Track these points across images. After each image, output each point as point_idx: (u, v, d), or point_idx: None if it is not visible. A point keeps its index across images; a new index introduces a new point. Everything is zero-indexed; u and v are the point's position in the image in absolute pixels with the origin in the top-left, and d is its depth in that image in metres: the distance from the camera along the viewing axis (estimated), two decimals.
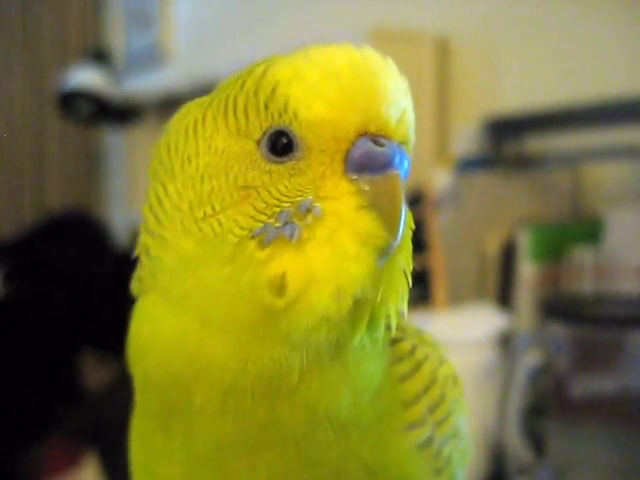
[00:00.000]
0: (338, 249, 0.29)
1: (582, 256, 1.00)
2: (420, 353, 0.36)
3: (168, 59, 2.46)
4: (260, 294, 0.29)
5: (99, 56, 2.32)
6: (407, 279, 0.32)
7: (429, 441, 0.34)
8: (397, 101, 0.31)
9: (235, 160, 0.31)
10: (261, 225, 0.30)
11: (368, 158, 0.30)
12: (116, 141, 2.80)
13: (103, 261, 1.93)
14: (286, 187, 0.30)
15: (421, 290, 0.96)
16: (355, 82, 0.30)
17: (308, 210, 0.30)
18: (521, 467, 0.77)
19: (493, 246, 1.07)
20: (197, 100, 0.34)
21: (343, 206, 0.30)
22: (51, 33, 2.85)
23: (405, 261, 0.32)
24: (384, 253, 0.30)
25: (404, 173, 0.31)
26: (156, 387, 0.32)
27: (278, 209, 0.30)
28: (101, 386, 1.59)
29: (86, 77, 2.20)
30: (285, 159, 0.31)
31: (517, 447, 0.75)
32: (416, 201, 0.96)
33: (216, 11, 2.23)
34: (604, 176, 1.15)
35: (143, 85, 2.28)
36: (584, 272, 0.99)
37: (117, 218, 2.76)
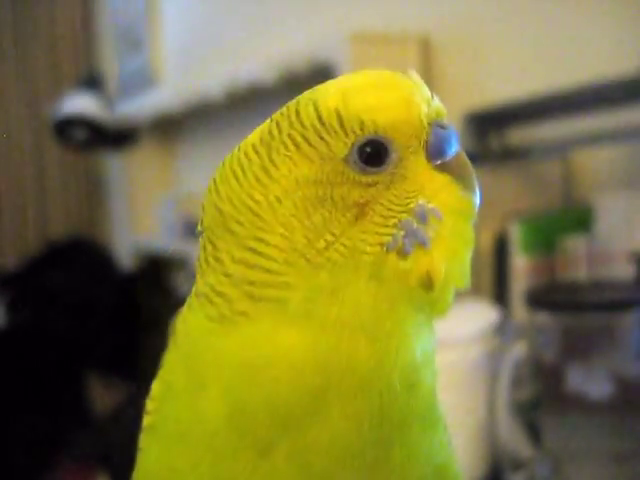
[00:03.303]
0: (462, 238, 0.34)
1: (575, 245, 0.99)
2: None
3: (159, 81, 2.47)
4: (414, 295, 0.32)
5: (92, 82, 2.35)
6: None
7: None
8: (425, 89, 0.35)
9: (330, 184, 0.32)
10: (390, 238, 0.32)
11: (445, 142, 0.34)
12: (114, 165, 2.81)
13: (106, 285, 1.94)
14: (395, 195, 0.33)
15: None
16: (401, 85, 0.34)
17: (426, 213, 0.33)
18: (518, 462, 0.76)
19: (485, 241, 1.06)
20: (231, 155, 0.35)
21: (449, 197, 0.33)
22: (44, 61, 2.89)
23: None
24: (474, 217, 0.35)
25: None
26: (267, 405, 0.31)
27: (396, 219, 0.33)
28: (108, 408, 1.59)
29: (80, 103, 2.22)
30: (383, 167, 0.33)
31: (512, 441, 0.74)
32: None
33: (204, 31, 2.25)
34: (592, 162, 1.14)
35: (136, 107, 2.29)
36: (578, 261, 0.98)
37: (120, 242, 2.77)
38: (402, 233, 0.32)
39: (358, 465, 0.31)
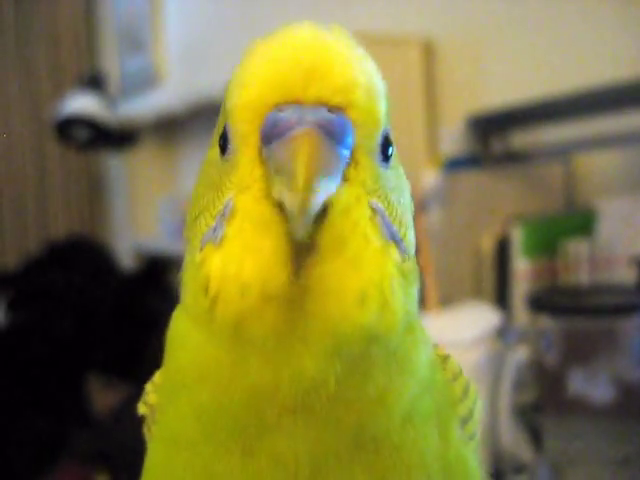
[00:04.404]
0: (241, 244, 0.28)
1: (576, 249, 0.99)
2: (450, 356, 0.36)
3: (162, 81, 2.47)
4: (198, 296, 0.29)
5: (94, 82, 2.34)
6: (365, 263, 0.28)
7: (474, 435, 0.35)
8: (315, 62, 0.28)
9: (209, 166, 0.32)
10: (208, 229, 0.30)
11: (271, 126, 0.27)
12: (116, 165, 2.81)
13: (107, 285, 1.94)
14: (225, 186, 0.30)
15: None
16: (269, 57, 0.29)
17: (229, 209, 0.29)
18: (519, 465, 0.75)
19: (487, 244, 1.06)
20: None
21: (248, 194, 0.28)
22: (46, 62, 2.89)
23: (353, 242, 0.28)
24: (296, 230, 0.26)
25: (327, 133, 0.26)
26: (224, 415, 0.30)
27: (216, 211, 0.30)
28: (109, 409, 1.59)
29: (82, 103, 2.22)
30: (225, 156, 0.30)
31: (513, 444, 0.74)
32: None
33: (207, 31, 2.25)
34: (595, 166, 1.14)
35: (139, 108, 2.29)
36: (579, 265, 0.98)
37: (120, 242, 2.77)
38: (212, 227, 0.29)
39: (332, 470, 0.30)
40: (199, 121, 2.15)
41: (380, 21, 1.48)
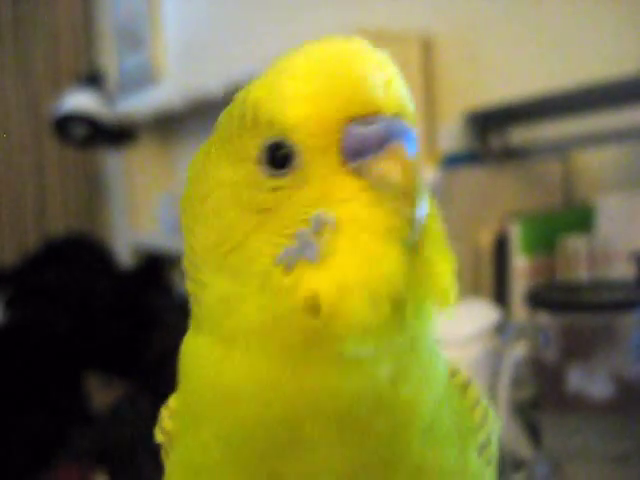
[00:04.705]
0: (361, 254, 0.27)
1: (575, 245, 0.99)
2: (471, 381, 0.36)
3: (160, 78, 2.47)
4: (298, 318, 0.28)
5: (92, 79, 2.34)
6: (447, 260, 0.30)
7: (492, 460, 0.35)
8: (376, 74, 0.29)
9: (243, 187, 0.30)
10: (282, 249, 0.29)
11: (360, 140, 0.28)
12: (114, 162, 2.81)
13: (105, 283, 1.94)
14: (296, 202, 0.29)
15: None
16: (327, 70, 0.29)
17: (322, 224, 0.28)
18: (518, 462, 0.76)
19: (486, 240, 1.06)
20: (203, 144, 0.34)
21: (355, 206, 0.28)
22: (44, 59, 2.88)
23: (439, 243, 0.30)
24: (410, 234, 0.27)
25: (410, 143, 0.28)
26: (252, 438, 0.29)
27: (294, 229, 0.29)
28: (107, 407, 1.59)
29: (80, 100, 2.22)
30: (287, 171, 0.29)
31: (511, 441, 0.74)
32: None
33: (205, 28, 2.24)
34: (593, 162, 1.14)
35: (137, 105, 2.29)
36: (578, 261, 0.98)
37: (119, 239, 2.77)
38: (296, 245, 0.28)
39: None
40: (197, 118, 2.14)
41: (378, 17, 1.48)
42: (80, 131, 2.26)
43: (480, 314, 0.88)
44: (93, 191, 2.99)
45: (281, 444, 0.29)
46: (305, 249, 0.28)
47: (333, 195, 0.28)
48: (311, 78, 0.29)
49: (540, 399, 0.77)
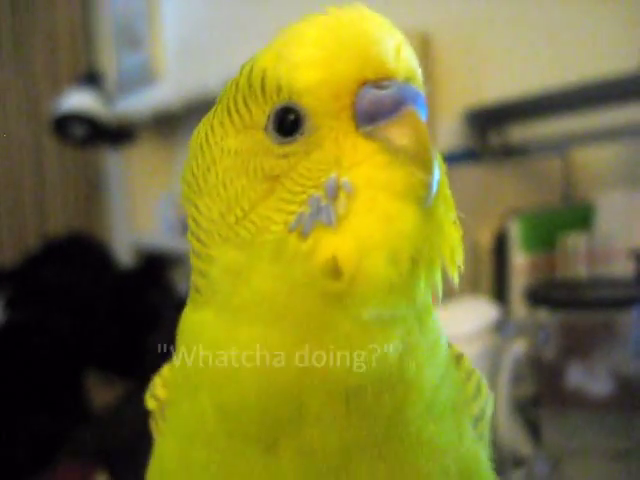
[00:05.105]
0: (379, 215, 0.27)
1: (575, 242, 0.99)
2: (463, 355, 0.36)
3: (159, 77, 2.47)
4: (318, 284, 0.28)
5: (91, 78, 2.34)
6: (456, 226, 0.30)
7: (484, 434, 0.35)
8: (387, 39, 0.29)
9: (250, 154, 0.30)
10: (295, 216, 0.28)
11: (374, 104, 0.28)
12: (114, 162, 2.81)
13: (105, 283, 1.94)
14: (307, 168, 0.29)
15: None
16: (338, 35, 0.29)
17: (337, 188, 0.28)
18: (517, 459, 0.75)
19: (485, 238, 1.06)
20: (205, 117, 0.34)
21: (370, 169, 0.28)
22: (43, 59, 2.88)
23: (450, 208, 0.30)
24: (426, 198, 0.28)
25: (421, 109, 0.28)
26: (253, 409, 0.29)
27: (305, 195, 0.29)
28: (107, 405, 1.59)
29: (79, 100, 2.22)
30: (297, 136, 0.29)
31: (511, 439, 0.74)
32: None
33: (204, 27, 2.24)
34: (592, 160, 1.14)
35: (136, 104, 2.29)
36: (578, 258, 0.98)
37: (118, 239, 2.77)
38: (309, 211, 0.28)
39: (361, 460, 0.30)
40: (197, 117, 2.12)
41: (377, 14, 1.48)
42: (79, 131, 2.26)
43: (479, 312, 0.88)
44: (92, 191, 2.99)
45: (282, 417, 0.29)
46: (320, 213, 0.28)
47: (346, 159, 0.28)
48: (321, 43, 0.29)
49: (540, 396, 0.77)
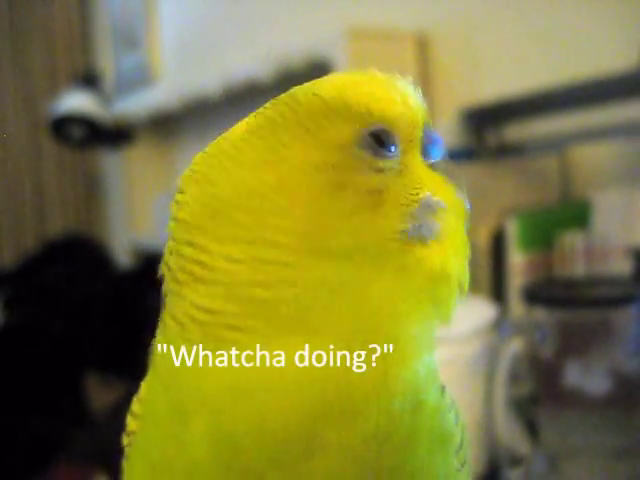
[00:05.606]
0: (459, 239, 0.32)
1: (572, 241, 0.99)
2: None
3: (157, 78, 2.47)
4: (428, 290, 0.30)
5: (89, 79, 2.34)
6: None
7: (465, 462, 0.35)
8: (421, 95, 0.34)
9: (346, 169, 0.30)
10: (409, 226, 0.31)
11: (437, 144, 0.34)
12: (112, 163, 2.81)
13: (104, 284, 1.94)
14: (405, 184, 0.32)
15: None
16: (398, 83, 0.33)
17: (434, 204, 0.32)
18: (515, 458, 0.75)
19: (482, 237, 1.06)
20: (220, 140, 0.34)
21: (448, 196, 0.32)
22: (41, 60, 2.88)
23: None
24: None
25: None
26: (259, 438, 0.28)
27: (410, 207, 0.31)
28: (106, 407, 1.59)
29: (77, 101, 2.22)
30: (394, 153, 0.32)
31: (509, 437, 0.74)
32: None
33: (202, 28, 2.24)
34: (590, 158, 1.14)
35: (134, 105, 2.29)
36: (575, 257, 0.98)
37: (117, 240, 2.77)
38: (418, 222, 0.31)
39: None
40: (194, 118, 2.14)
41: (373, 15, 1.48)
42: (77, 132, 2.26)
43: (477, 310, 0.88)
44: (91, 192, 2.99)
45: (286, 443, 0.28)
46: (422, 228, 0.31)
47: (428, 183, 0.32)
48: (387, 86, 0.32)
49: (537, 395, 0.77)
